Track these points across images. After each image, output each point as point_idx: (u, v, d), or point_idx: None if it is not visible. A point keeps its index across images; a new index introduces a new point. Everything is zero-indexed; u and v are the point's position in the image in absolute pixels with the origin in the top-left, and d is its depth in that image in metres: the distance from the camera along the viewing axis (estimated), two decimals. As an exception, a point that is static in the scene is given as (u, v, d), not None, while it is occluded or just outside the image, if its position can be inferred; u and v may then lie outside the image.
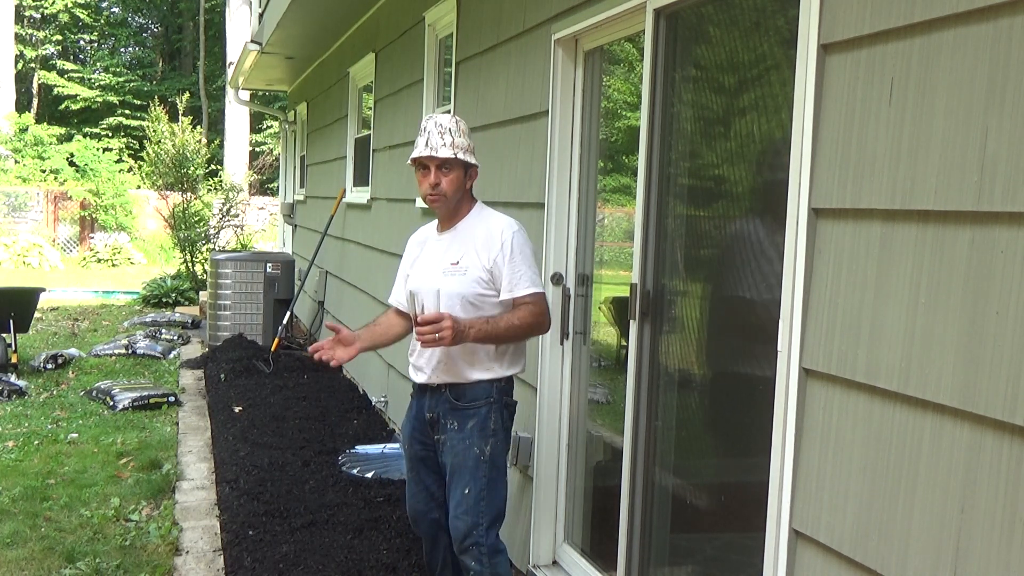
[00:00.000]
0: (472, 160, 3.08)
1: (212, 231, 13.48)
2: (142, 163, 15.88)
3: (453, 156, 2.99)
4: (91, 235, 21.26)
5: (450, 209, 3.10)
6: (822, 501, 2.07)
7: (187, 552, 4.09)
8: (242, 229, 14.62)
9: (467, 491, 3.01)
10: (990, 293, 1.67)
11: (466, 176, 3.09)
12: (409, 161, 3.09)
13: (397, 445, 5.41)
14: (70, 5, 31.78)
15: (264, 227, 20.28)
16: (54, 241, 21.16)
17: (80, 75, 31.81)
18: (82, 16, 32.65)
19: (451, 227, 3.13)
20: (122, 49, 35.99)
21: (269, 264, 8.86)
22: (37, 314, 9.79)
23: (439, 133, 3.01)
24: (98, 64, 33.32)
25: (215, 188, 17.03)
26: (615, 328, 3.54)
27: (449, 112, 5.08)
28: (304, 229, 11.29)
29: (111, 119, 30.72)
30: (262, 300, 8.78)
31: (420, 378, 3.13)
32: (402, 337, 3.37)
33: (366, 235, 7.16)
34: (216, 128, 29.82)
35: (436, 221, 3.25)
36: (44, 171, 25.13)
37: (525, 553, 3.75)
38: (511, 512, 3.94)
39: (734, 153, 2.71)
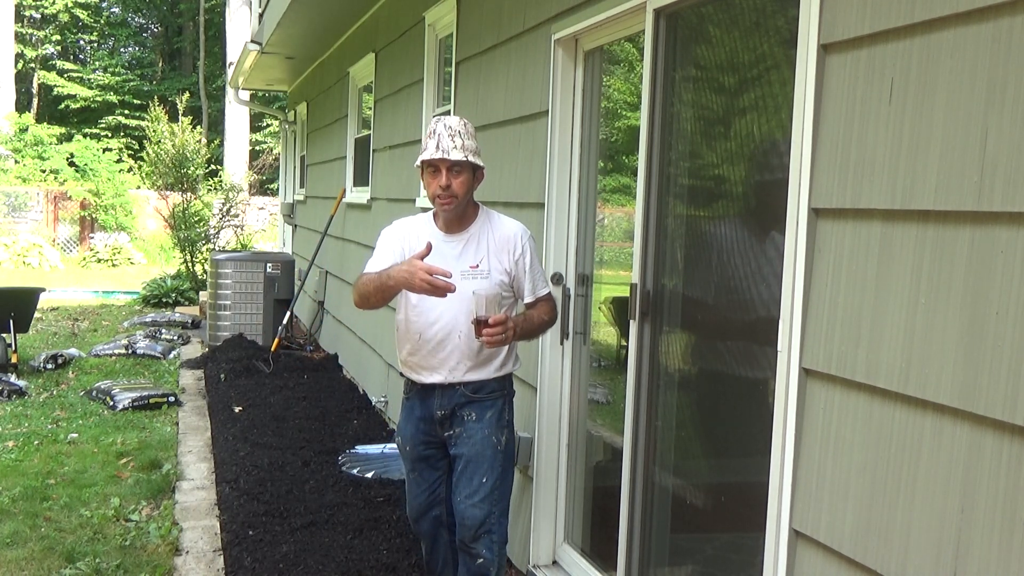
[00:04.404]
0: (480, 163, 3.07)
1: (212, 231, 13.47)
2: (142, 163, 15.87)
3: (465, 159, 2.99)
4: (91, 235, 21.25)
5: (459, 212, 3.08)
6: (822, 501, 2.07)
7: (187, 552, 4.09)
8: (242, 229, 14.60)
9: (484, 480, 3.07)
10: (990, 293, 1.67)
11: (474, 178, 3.08)
12: (418, 163, 3.06)
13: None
14: (70, 5, 31.78)
15: (264, 227, 20.27)
16: (54, 241, 21.15)
17: (80, 75, 31.81)
18: (82, 16, 32.65)
19: (461, 230, 3.11)
20: (122, 49, 35.99)
21: (269, 264, 8.86)
22: (37, 314, 9.79)
23: (449, 136, 3.00)
24: (98, 64, 33.32)
25: (215, 188, 17.03)
26: (615, 328, 3.54)
27: (449, 112, 5.08)
28: (304, 229, 11.29)
29: (111, 119, 30.73)
30: (262, 300, 8.78)
31: (435, 378, 3.11)
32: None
33: (366, 235, 7.15)
34: (216, 128, 29.81)
35: (426, 218, 3.20)
36: (44, 171, 25.11)
37: (525, 553, 3.75)
38: (511, 512, 3.94)
39: (734, 153, 2.71)
